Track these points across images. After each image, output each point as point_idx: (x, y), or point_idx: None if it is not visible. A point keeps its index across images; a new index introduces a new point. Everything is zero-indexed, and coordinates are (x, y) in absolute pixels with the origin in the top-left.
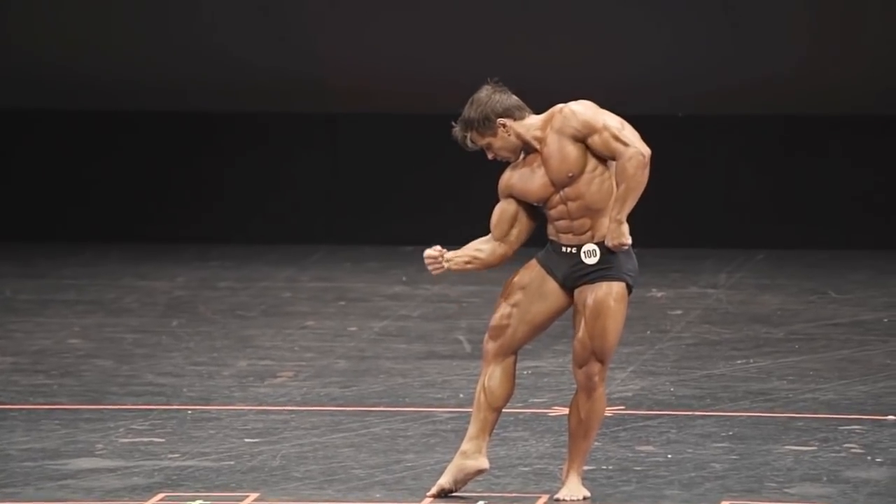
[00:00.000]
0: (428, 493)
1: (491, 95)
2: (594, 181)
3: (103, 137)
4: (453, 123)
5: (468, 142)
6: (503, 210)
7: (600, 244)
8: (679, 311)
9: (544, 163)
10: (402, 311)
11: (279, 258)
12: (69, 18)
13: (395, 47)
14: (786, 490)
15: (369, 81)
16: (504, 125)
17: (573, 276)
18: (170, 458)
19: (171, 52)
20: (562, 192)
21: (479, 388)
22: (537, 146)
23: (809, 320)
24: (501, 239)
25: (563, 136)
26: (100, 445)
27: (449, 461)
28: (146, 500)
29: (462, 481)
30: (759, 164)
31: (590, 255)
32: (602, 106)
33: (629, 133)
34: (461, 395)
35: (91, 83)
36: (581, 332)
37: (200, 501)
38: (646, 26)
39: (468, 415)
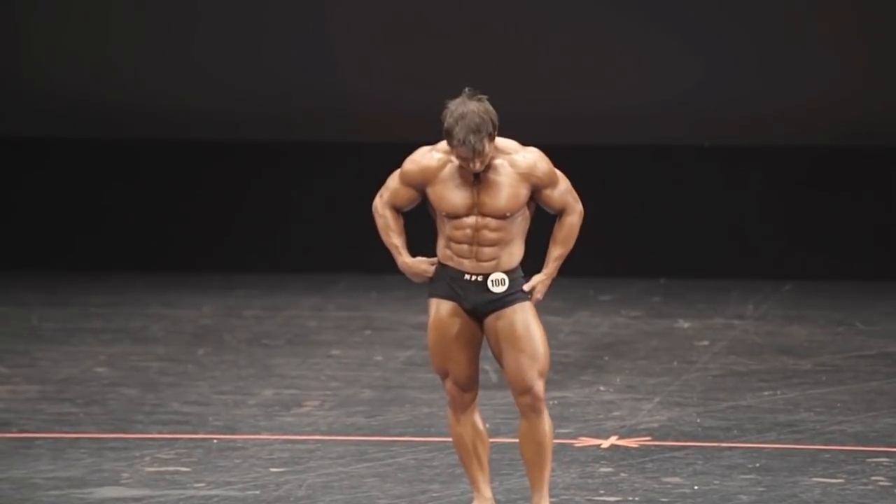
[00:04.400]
0: None
1: (485, 102)
2: (517, 222)
3: (127, 165)
4: (461, 139)
5: (483, 143)
6: (404, 192)
7: (508, 272)
8: (706, 342)
9: (482, 186)
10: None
11: (305, 287)
12: (90, 46)
13: (417, 75)
14: None
15: (393, 110)
16: (493, 139)
17: (483, 304)
18: (195, 488)
19: (195, 81)
20: (478, 219)
21: (457, 439)
22: (487, 168)
23: (837, 352)
24: (391, 204)
25: (521, 178)
26: (125, 474)
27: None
28: None
29: None
30: (785, 194)
31: (498, 283)
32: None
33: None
34: (487, 426)
35: (116, 111)
36: (515, 360)
37: None
38: (670, 53)
39: (494, 444)
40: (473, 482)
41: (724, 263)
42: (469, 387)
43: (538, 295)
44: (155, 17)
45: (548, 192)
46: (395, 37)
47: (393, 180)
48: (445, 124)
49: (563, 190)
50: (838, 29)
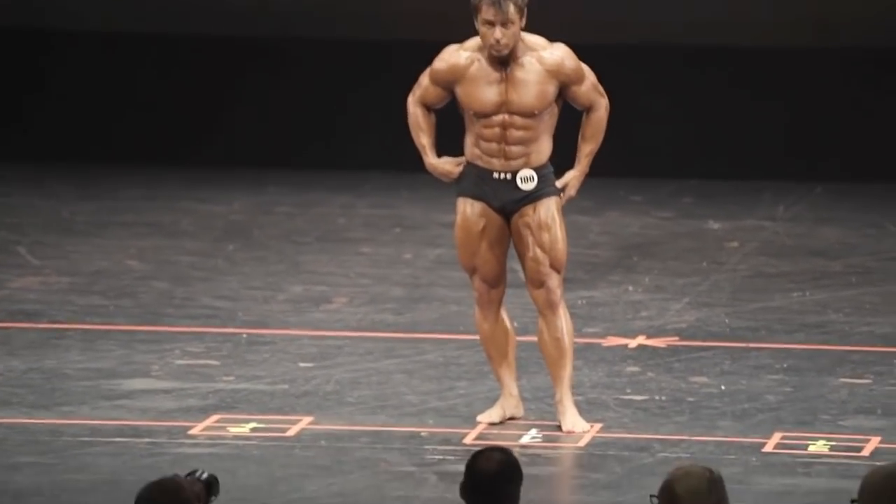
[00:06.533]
0: (480, 419)
1: None
2: (545, 119)
3: (163, 59)
4: None
5: (511, 8)
6: (433, 91)
7: (536, 168)
8: (736, 244)
9: (510, 84)
10: None
11: (336, 184)
12: None
13: None
14: (839, 423)
15: (426, 7)
16: (522, 18)
17: (511, 202)
18: (224, 381)
19: None
20: (507, 117)
21: (483, 336)
22: (511, 62)
23: (867, 253)
24: (422, 102)
25: (549, 75)
26: (155, 367)
27: (498, 389)
28: (201, 422)
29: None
30: (818, 97)
31: (527, 181)
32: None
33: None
34: (515, 324)
35: (153, 4)
36: (532, 251)
37: (255, 424)
38: None
39: (522, 342)
40: (500, 379)
41: (755, 165)
42: (496, 283)
43: (571, 191)
44: None
45: (575, 88)
46: None
47: (424, 78)
48: None
49: (589, 85)
50: None
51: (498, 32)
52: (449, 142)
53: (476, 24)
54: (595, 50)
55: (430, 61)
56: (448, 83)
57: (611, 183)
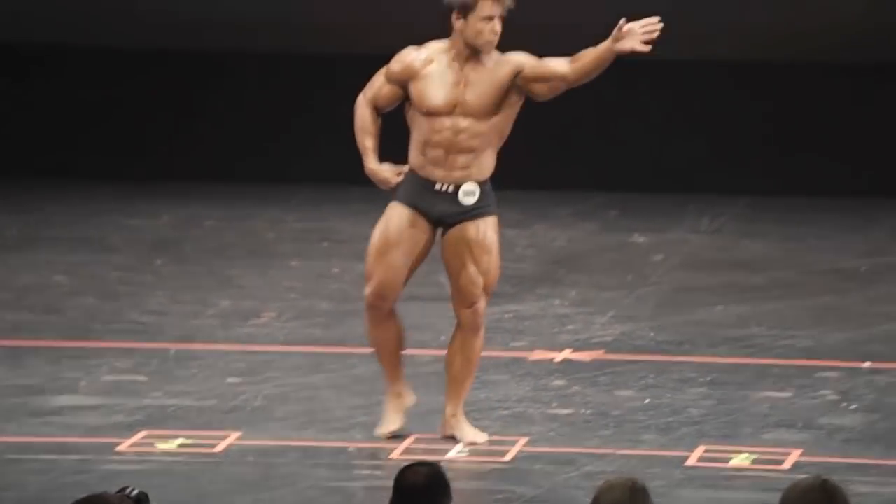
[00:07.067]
0: (380, 433)
1: None
2: (494, 130)
3: (94, 73)
4: None
5: (508, 1)
6: (387, 90)
7: (479, 183)
8: (660, 257)
9: (468, 85)
10: None
11: (263, 198)
12: None
13: None
14: (761, 436)
15: (365, 20)
16: (503, 15)
17: (450, 215)
18: (152, 397)
19: None
20: (459, 120)
21: (373, 341)
22: (473, 63)
23: (789, 267)
24: (373, 103)
25: (509, 71)
26: (83, 383)
27: (429, 405)
28: (128, 438)
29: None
30: (740, 111)
31: (469, 195)
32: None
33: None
34: (442, 338)
35: (83, 16)
36: (468, 269)
37: (182, 440)
38: None
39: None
40: (389, 378)
41: (680, 178)
42: (388, 296)
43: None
44: None
45: (535, 65)
46: None
47: (377, 78)
48: None
49: (550, 58)
50: None
51: (497, 26)
52: (394, 147)
53: (459, 22)
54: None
55: (369, 76)
56: (402, 81)
57: (538, 196)
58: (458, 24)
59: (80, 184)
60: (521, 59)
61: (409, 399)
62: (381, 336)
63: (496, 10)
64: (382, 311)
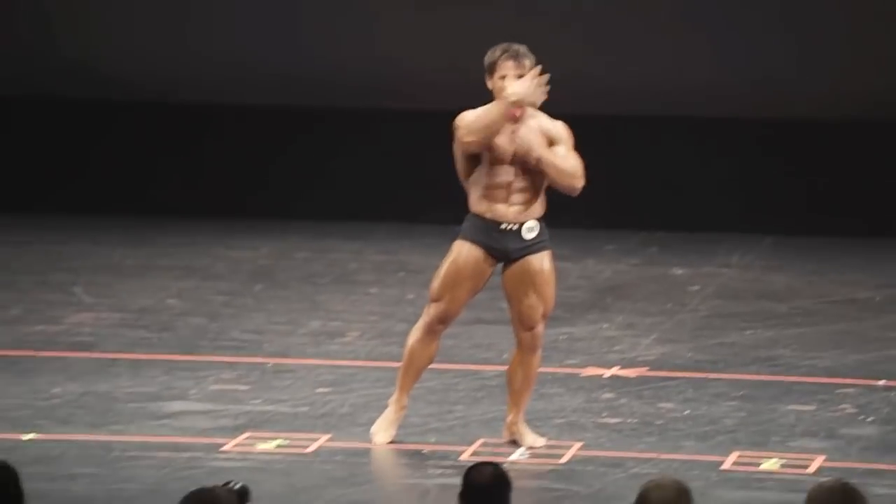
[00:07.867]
0: (380, 441)
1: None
2: (542, 176)
3: (195, 122)
4: (509, 50)
5: (527, 62)
6: (470, 160)
7: (537, 219)
8: (696, 287)
9: (520, 135)
10: None
11: (348, 233)
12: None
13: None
14: (788, 444)
15: (425, 79)
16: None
17: (515, 250)
18: (253, 404)
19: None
20: (516, 168)
21: (413, 352)
22: (520, 120)
23: (810, 297)
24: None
25: (545, 136)
26: (193, 391)
27: (493, 413)
28: (232, 439)
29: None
30: (767, 161)
31: (531, 230)
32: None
33: None
34: (504, 356)
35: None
36: (530, 298)
37: (279, 441)
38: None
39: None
40: (402, 389)
41: (713, 220)
42: (449, 320)
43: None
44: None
45: (556, 147)
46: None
47: (456, 152)
48: (487, 57)
49: (569, 148)
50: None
51: (514, 83)
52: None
53: (489, 83)
54: (572, 120)
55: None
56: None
57: (587, 234)
58: (488, 83)
59: (189, 220)
60: (559, 134)
61: (405, 411)
62: (421, 351)
63: (515, 70)
64: (437, 333)
